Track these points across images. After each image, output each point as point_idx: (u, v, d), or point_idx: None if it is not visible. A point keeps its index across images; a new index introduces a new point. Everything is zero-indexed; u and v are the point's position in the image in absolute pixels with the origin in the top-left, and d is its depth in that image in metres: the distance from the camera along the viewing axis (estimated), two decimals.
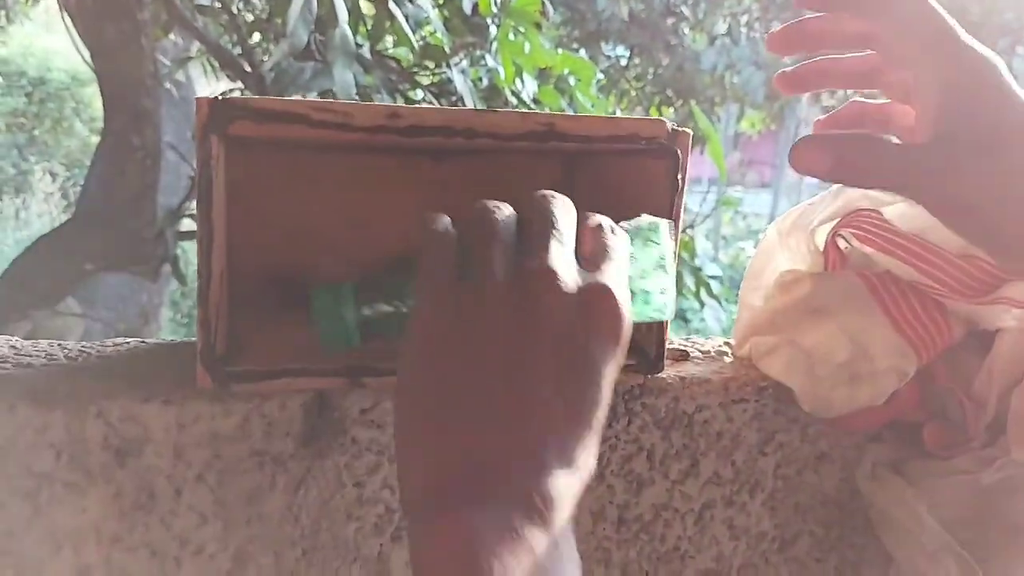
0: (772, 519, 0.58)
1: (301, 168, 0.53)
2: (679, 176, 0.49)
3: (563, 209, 0.40)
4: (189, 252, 3.17)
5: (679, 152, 0.49)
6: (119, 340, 0.54)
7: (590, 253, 0.40)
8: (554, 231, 0.38)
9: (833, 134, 0.46)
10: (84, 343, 0.53)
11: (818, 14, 0.47)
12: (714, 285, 2.49)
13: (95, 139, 6.71)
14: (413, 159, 0.56)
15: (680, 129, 0.49)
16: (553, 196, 0.40)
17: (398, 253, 0.51)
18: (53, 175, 6.97)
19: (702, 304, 2.46)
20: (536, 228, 0.39)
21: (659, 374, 0.53)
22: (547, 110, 2.04)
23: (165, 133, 2.61)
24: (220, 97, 0.42)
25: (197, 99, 0.42)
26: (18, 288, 2.60)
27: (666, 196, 0.50)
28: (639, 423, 0.54)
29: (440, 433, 0.36)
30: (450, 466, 0.35)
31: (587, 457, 0.36)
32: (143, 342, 0.54)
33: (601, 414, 0.36)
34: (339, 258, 0.52)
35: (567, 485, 0.35)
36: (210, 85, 3.36)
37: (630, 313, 0.38)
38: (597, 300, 0.37)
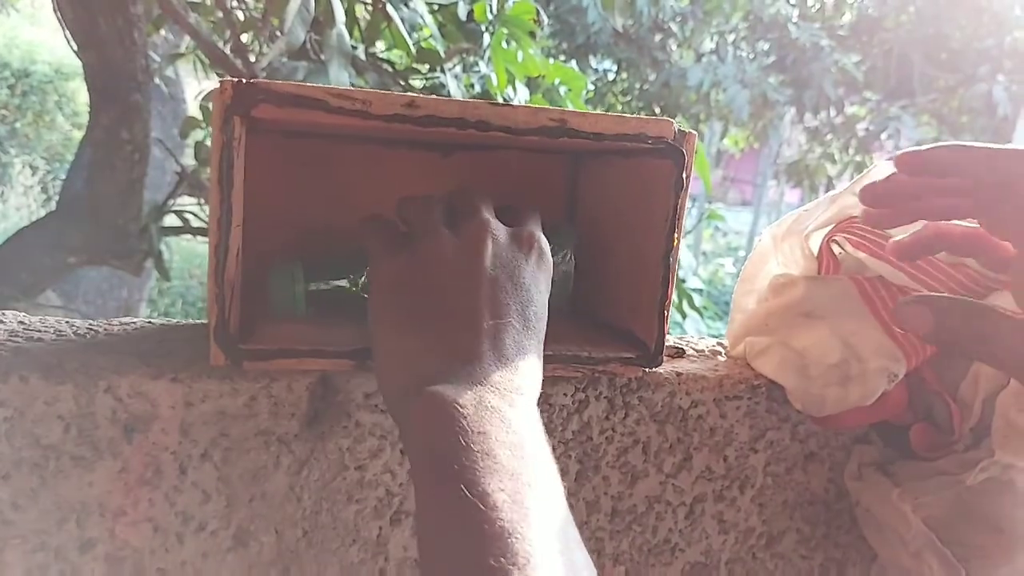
0: (760, 515, 0.59)
1: (313, 157, 0.54)
2: (684, 175, 0.51)
3: (482, 192, 0.49)
4: (173, 247, 3.15)
5: (684, 152, 0.50)
6: (125, 319, 0.55)
7: (511, 218, 0.49)
8: (480, 200, 0.48)
9: (938, 298, 0.47)
10: (91, 321, 0.54)
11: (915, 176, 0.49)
12: (696, 298, 2.52)
13: (77, 133, 6.68)
14: (421, 152, 0.57)
15: (686, 130, 0.51)
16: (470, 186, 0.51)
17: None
18: (33, 168, 6.92)
19: (684, 316, 2.48)
20: (464, 200, 0.48)
21: (656, 368, 0.54)
22: None
23: (152, 128, 2.60)
24: (243, 81, 0.43)
25: (221, 81, 0.42)
26: None
27: (670, 195, 0.51)
28: (635, 416, 0.55)
29: (411, 341, 0.42)
30: (423, 364, 0.41)
31: (537, 359, 0.43)
32: (149, 321, 0.55)
33: (543, 324, 0.45)
34: (346, 244, 0.53)
35: (525, 375, 0.41)
36: (199, 83, 3.36)
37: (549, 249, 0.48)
38: (527, 238, 0.47)
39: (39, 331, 0.51)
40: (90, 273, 3.27)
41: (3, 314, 0.52)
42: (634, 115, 0.51)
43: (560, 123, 0.48)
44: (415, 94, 0.46)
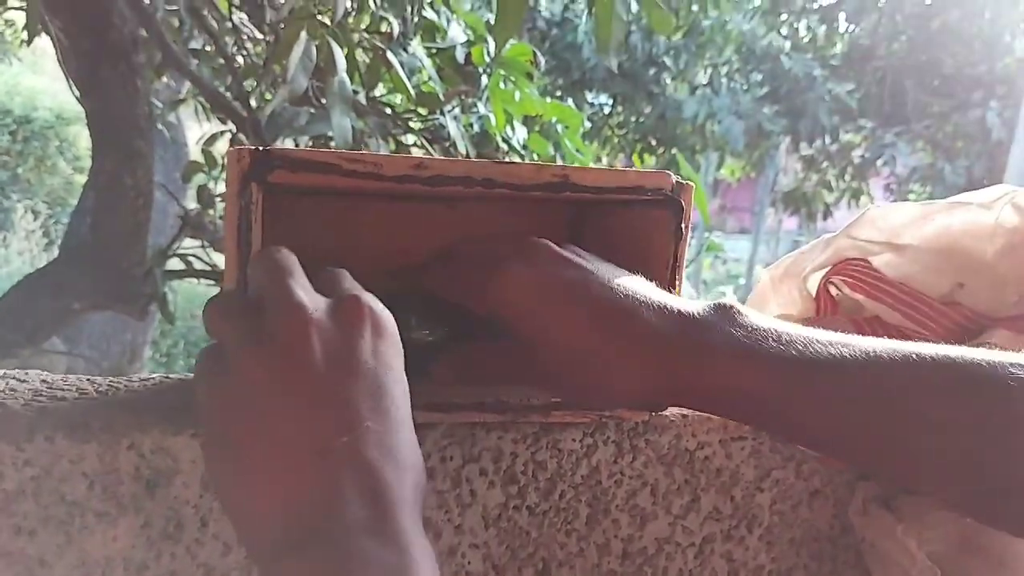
0: (769, 553, 0.60)
1: (326, 214, 0.56)
2: (682, 225, 0.53)
3: (281, 257, 0.42)
4: (179, 290, 3.17)
5: (683, 203, 0.52)
6: (145, 376, 0.56)
7: (323, 283, 0.42)
8: (281, 275, 0.40)
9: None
10: (111, 378, 0.55)
11: None
12: None
13: (78, 178, 6.73)
14: (430, 205, 0.59)
15: (683, 181, 0.53)
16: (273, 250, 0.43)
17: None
18: (35, 213, 6.97)
19: None
20: (262, 281, 0.41)
21: (663, 412, 0.56)
22: (535, 156, 2.08)
23: (155, 173, 2.63)
24: (260, 148, 0.44)
25: (238, 149, 0.44)
26: (4, 326, 2.60)
27: (670, 244, 0.53)
28: (643, 459, 0.56)
29: (249, 490, 0.37)
30: (269, 528, 0.36)
31: (412, 448, 0.38)
32: (167, 377, 0.57)
33: (405, 402, 0.39)
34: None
35: (402, 481, 0.36)
36: (200, 127, 3.40)
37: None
38: (349, 308, 0.39)
39: (62, 389, 0.52)
40: (94, 318, 3.29)
41: (26, 373, 0.54)
42: (632, 168, 0.53)
43: (562, 179, 0.50)
44: (423, 156, 0.48)
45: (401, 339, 0.42)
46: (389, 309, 0.42)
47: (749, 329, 0.44)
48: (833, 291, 0.60)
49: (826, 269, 0.60)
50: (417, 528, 0.36)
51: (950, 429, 0.41)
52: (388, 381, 0.39)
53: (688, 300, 0.46)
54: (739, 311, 0.45)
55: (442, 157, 0.50)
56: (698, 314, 0.45)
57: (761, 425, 0.48)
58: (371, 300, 0.41)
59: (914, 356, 0.41)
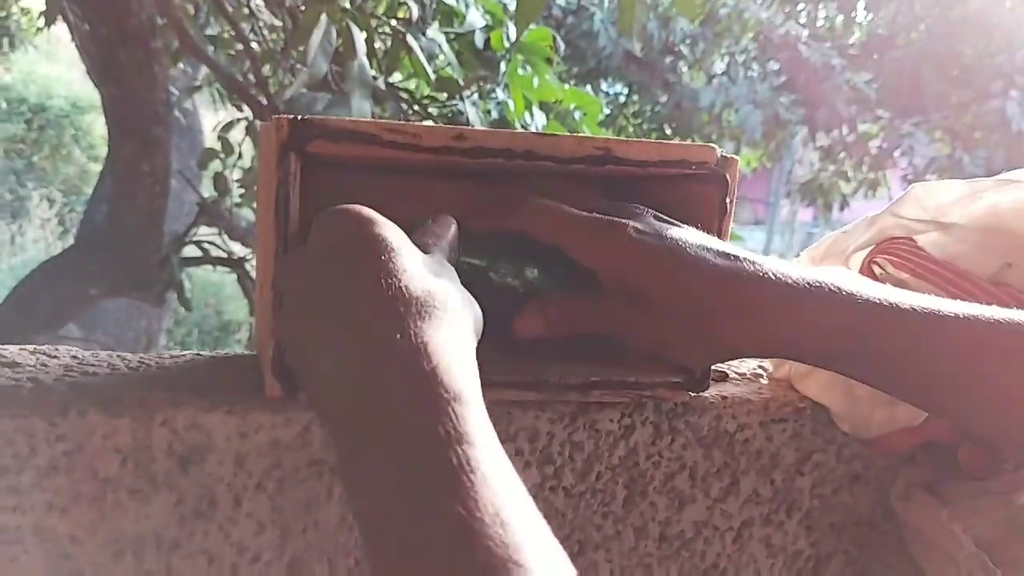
0: (808, 538, 0.59)
1: (359, 189, 0.55)
2: (727, 200, 0.51)
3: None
4: (194, 277, 3.18)
5: (728, 177, 0.51)
6: (176, 352, 0.56)
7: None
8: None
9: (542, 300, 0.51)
10: (142, 355, 0.54)
11: None
12: None
13: (93, 166, 6.75)
14: (463, 181, 0.58)
15: (729, 156, 0.51)
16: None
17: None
18: (50, 201, 6.99)
19: None
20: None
21: (703, 392, 0.55)
22: None
23: (171, 160, 2.63)
24: (298, 117, 0.43)
25: (276, 118, 0.43)
26: (21, 312, 2.61)
27: (714, 220, 0.52)
28: (682, 441, 0.55)
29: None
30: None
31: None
32: (199, 354, 0.56)
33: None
34: None
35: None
36: (216, 114, 3.40)
37: None
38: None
39: (93, 365, 0.51)
40: (109, 305, 3.30)
41: (56, 349, 0.53)
42: (676, 141, 0.51)
43: (605, 151, 0.49)
44: (462, 126, 0.47)
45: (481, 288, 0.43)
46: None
47: (869, 285, 0.46)
48: (877, 271, 0.58)
49: (869, 248, 0.59)
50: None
51: None
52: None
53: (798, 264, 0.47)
54: (850, 273, 0.49)
55: (483, 128, 0.49)
56: (817, 272, 0.46)
57: (885, 380, 0.48)
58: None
59: (995, 315, 0.44)
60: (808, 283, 0.45)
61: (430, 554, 0.29)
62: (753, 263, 0.45)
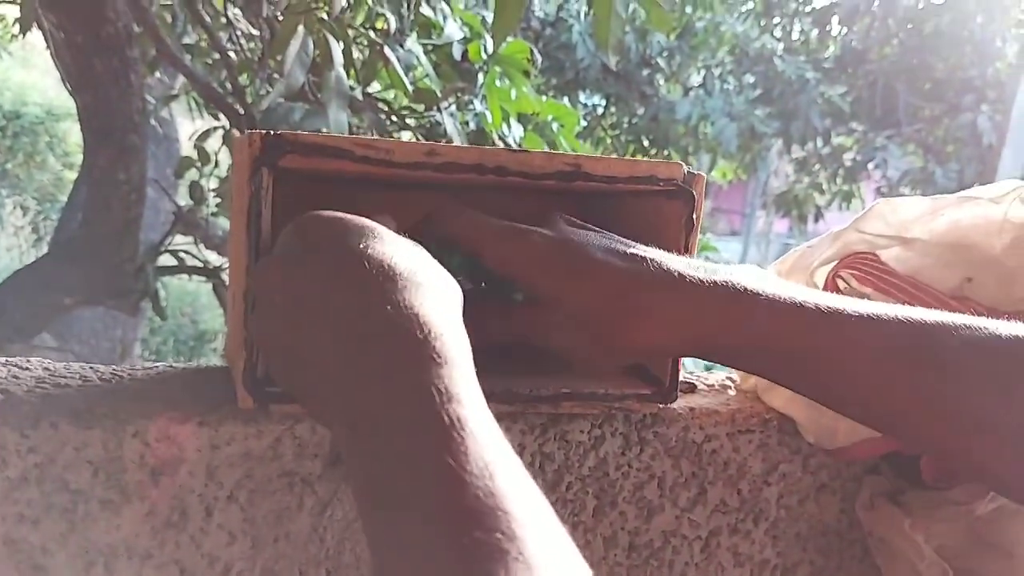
0: (775, 547, 0.60)
1: (333, 202, 0.55)
2: (694, 216, 0.52)
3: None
4: (169, 287, 3.16)
5: (695, 193, 0.52)
6: (148, 364, 0.56)
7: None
8: None
9: None
10: (114, 367, 0.55)
11: None
12: None
13: (68, 174, 6.68)
14: (435, 194, 0.58)
15: (695, 172, 0.52)
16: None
17: None
18: (24, 209, 6.91)
19: None
20: None
21: (672, 403, 0.55)
22: None
23: (147, 169, 2.62)
24: (271, 133, 0.44)
25: (249, 133, 0.44)
26: None
27: (681, 234, 0.53)
28: (651, 451, 0.56)
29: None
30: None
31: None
32: (171, 366, 0.56)
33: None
34: None
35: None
36: (193, 123, 3.38)
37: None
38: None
39: (64, 377, 0.51)
40: (84, 313, 3.27)
41: (28, 361, 0.53)
42: (645, 158, 0.52)
43: (575, 167, 0.50)
44: (434, 142, 0.48)
45: None
46: None
47: (776, 281, 0.46)
48: (841, 285, 0.60)
49: (834, 263, 0.60)
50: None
51: (986, 387, 0.42)
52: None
53: (711, 263, 0.47)
54: (762, 271, 0.47)
55: (455, 144, 0.50)
56: (724, 271, 0.46)
57: (785, 377, 0.48)
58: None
59: (940, 319, 0.44)
60: (711, 283, 0.45)
61: (420, 502, 0.30)
62: (657, 265, 0.46)
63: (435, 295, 0.38)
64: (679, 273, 0.45)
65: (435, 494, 0.30)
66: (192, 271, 2.75)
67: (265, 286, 0.41)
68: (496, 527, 0.28)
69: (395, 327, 0.36)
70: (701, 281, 0.45)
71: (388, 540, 0.31)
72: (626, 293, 0.46)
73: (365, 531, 0.33)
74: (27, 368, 0.52)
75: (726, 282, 0.45)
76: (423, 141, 1.95)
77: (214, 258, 2.85)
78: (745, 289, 0.45)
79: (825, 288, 0.61)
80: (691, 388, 0.61)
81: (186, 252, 2.74)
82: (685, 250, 0.53)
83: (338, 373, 0.36)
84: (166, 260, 2.74)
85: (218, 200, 2.67)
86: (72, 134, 6.80)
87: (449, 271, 0.44)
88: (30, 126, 7.29)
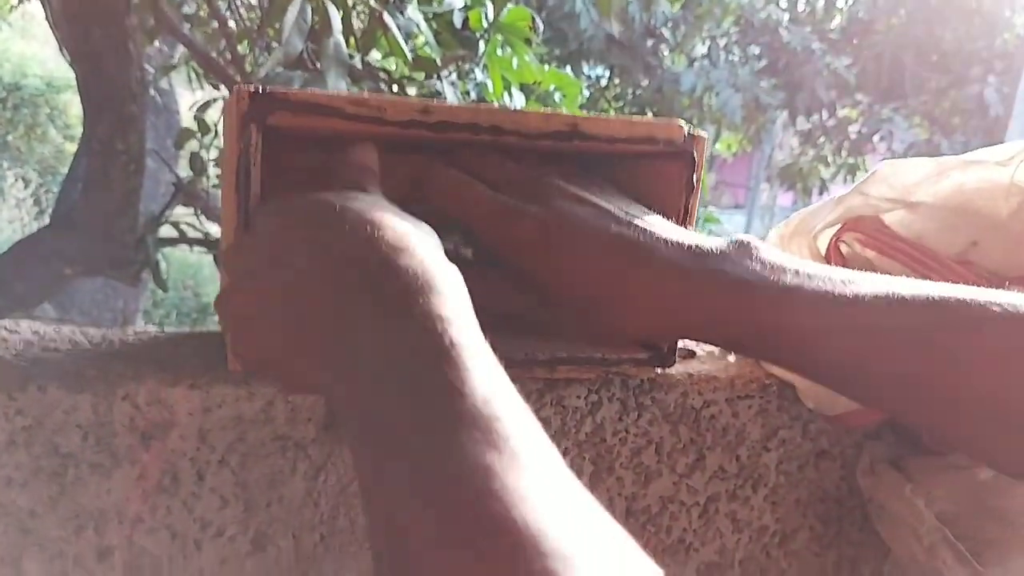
0: (774, 513, 0.60)
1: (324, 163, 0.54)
2: (694, 177, 0.51)
3: None
4: (172, 259, 3.16)
5: (695, 155, 0.51)
6: (139, 328, 0.55)
7: None
8: None
9: None
10: (105, 330, 0.54)
11: None
12: None
13: (69, 146, 6.66)
14: (431, 158, 0.57)
15: (696, 133, 0.51)
16: None
17: None
18: (26, 181, 6.90)
19: None
20: None
21: (669, 369, 0.55)
22: None
23: (147, 139, 2.60)
24: (260, 89, 0.43)
25: (238, 89, 0.43)
26: None
27: (680, 197, 0.52)
28: (648, 416, 0.55)
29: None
30: None
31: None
32: (163, 330, 0.55)
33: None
34: None
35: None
36: (193, 94, 3.35)
37: None
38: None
39: (54, 340, 0.51)
40: (85, 285, 3.27)
41: (16, 324, 0.52)
42: (644, 118, 0.51)
43: (572, 127, 0.48)
44: (428, 100, 0.47)
45: None
46: None
47: (768, 264, 0.44)
48: (844, 249, 0.59)
49: (837, 227, 0.59)
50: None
51: (975, 365, 0.41)
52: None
53: (706, 236, 0.45)
54: (757, 247, 0.45)
55: (449, 103, 0.49)
56: (716, 249, 0.44)
57: (776, 359, 0.48)
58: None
59: (935, 295, 0.42)
60: (705, 271, 0.44)
61: (420, 414, 0.31)
62: (651, 251, 0.44)
63: (419, 237, 0.39)
64: (667, 260, 0.44)
65: (436, 403, 0.31)
66: (193, 242, 2.74)
67: (244, 267, 0.41)
68: (492, 429, 0.30)
69: (387, 264, 0.36)
70: (694, 269, 0.44)
71: (387, 449, 0.31)
72: (617, 282, 0.45)
73: (359, 468, 0.33)
74: (16, 331, 0.51)
75: (707, 267, 0.44)
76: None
77: (215, 230, 2.84)
78: (723, 277, 0.43)
79: (828, 253, 0.60)
80: (690, 354, 0.60)
81: (187, 223, 2.73)
82: (685, 213, 0.52)
83: (332, 321, 0.36)
84: (167, 231, 2.73)
85: (219, 171, 2.66)
86: (73, 106, 6.77)
87: (448, 237, 0.44)
88: (30, 98, 7.25)
